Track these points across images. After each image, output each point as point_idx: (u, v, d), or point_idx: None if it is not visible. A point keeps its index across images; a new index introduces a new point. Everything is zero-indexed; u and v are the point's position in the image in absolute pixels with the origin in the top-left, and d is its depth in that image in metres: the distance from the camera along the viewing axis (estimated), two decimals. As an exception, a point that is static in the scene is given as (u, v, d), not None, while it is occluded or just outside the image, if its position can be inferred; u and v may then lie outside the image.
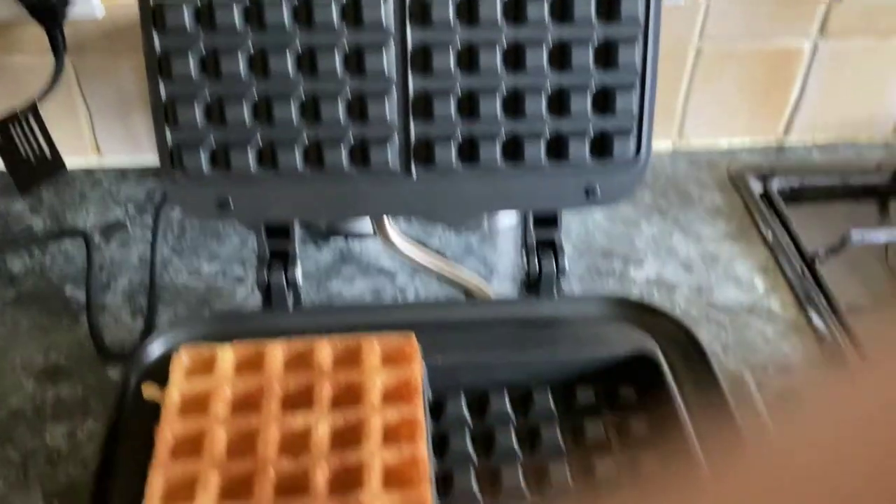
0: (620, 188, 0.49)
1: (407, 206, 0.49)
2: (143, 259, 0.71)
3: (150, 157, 0.81)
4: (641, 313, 0.51)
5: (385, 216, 0.53)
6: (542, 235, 0.51)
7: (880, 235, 0.69)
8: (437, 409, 0.47)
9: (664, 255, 0.73)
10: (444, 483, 0.43)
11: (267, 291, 0.50)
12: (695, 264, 0.72)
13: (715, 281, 0.70)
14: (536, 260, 0.50)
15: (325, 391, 0.43)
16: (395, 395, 0.43)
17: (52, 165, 0.73)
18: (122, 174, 0.81)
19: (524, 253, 0.51)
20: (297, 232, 0.51)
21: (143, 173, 0.80)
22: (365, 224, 0.72)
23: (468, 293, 0.61)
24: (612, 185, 0.49)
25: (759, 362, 0.63)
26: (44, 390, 0.60)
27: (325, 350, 0.45)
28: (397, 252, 0.56)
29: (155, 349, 0.48)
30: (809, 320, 0.67)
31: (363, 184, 0.49)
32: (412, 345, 0.45)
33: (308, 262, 0.71)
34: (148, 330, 0.60)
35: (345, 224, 0.73)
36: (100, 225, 0.75)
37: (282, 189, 0.48)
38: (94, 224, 0.75)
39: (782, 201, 0.76)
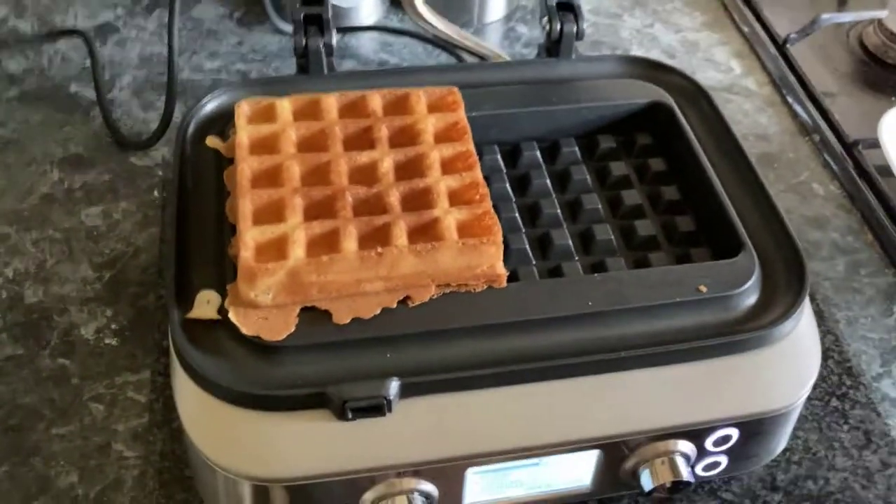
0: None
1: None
2: (143, 57, 0.72)
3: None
4: (654, 70, 0.55)
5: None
6: (562, -2, 0.54)
7: (847, 16, 0.74)
8: (473, 161, 0.51)
9: (648, 44, 0.77)
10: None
11: (304, 57, 0.52)
12: (677, 51, 0.76)
13: (696, 65, 0.75)
14: (558, 22, 0.53)
15: (382, 132, 0.46)
16: (446, 136, 0.47)
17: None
18: (103, -21, 0.79)
19: (545, 16, 0.54)
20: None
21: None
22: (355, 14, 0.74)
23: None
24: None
25: (741, 132, 0.69)
26: (70, 177, 0.62)
27: (375, 99, 0.48)
28: (421, 20, 0.58)
29: (205, 110, 0.50)
30: (783, 97, 0.72)
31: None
32: (455, 94, 0.49)
33: (308, 57, 0.73)
34: (169, 112, 0.61)
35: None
36: (91, 27, 0.74)
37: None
38: (85, 26, 0.74)
39: (753, -8, 0.80)
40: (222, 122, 0.50)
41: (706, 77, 0.74)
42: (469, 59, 0.69)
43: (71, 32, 0.72)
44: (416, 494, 0.40)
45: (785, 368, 0.43)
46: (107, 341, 0.53)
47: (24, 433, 0.48)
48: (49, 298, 0.55)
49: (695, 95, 0.54)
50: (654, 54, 0.75)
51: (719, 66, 0.75)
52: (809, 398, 0.52)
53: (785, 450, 0.48)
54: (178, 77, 0.70)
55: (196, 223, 0.45)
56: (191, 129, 0.49)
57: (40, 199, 0.60)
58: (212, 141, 0.47)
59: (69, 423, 0.49)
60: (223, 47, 0.73)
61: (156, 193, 0.61)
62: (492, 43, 0.76)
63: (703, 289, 0.43)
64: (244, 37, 0.74)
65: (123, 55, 0.72)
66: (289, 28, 0.74)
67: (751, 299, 0.44)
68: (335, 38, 0.52)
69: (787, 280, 0.44)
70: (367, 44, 0.75)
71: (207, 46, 0.73)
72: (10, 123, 0.65)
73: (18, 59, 0.70)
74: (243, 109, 0.46)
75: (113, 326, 0.53)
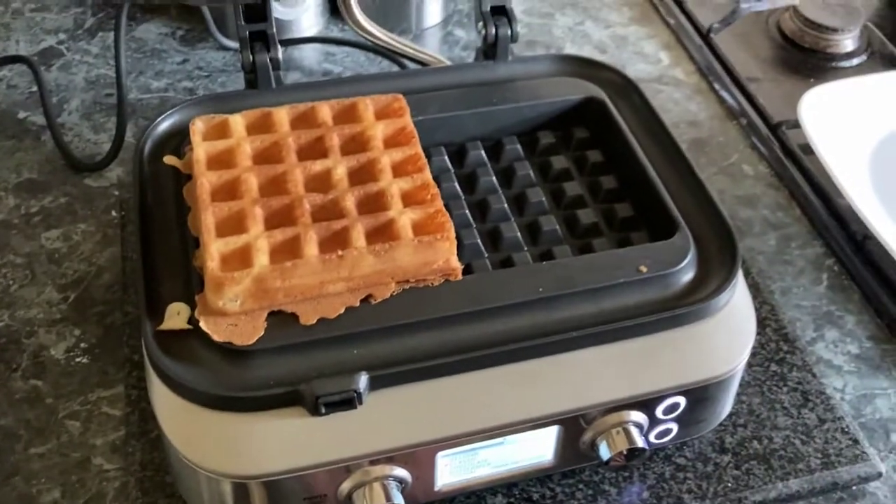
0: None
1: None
2: (90, 80, 0.73)
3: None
4: (587, 67, 0.58)
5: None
6: (495, 1, 0.57)
7: (764, 4, 0.79)
8: (421, 163, 0.53)
9: (580, 41, 0.80)
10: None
11: (252, 73, 0.54)
12: (608, 47, 0.80)
13: (627, 59, 0.78)
14: (493, 26, 0.56)
15: (334, 141, 0.48)
16: (394, 141, 0.49)
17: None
18: (42, 5, 0.80)
19: (479, 21, 0.57)
20: (274, 13, 0.54)
21: (65, 5, 0.80)
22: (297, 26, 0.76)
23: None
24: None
25: (672, 120, 0.73)
26: (27, 202, 0.63)
27: (324, 109, 0.50)
28: (361, 30, 0.61)
29: (160, 129, 0.52)
30: (710, 84, 0.76)
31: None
32: (400, 101, 0.51)
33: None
34: (121, 132, 0.62)
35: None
36: (35, 52, 0.75)
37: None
38: (28, 52, 0.74)
39: (677, -14, 0.84)
40: (177, 139, 0.52)
41: (637, 69, 0.77)
42: (410, 65, 0.71)
43: (14, 59, 0.72)
44: (390, 480, 0.42)
45: (723, 338, 0.46)
46: (77, 360, 0.54)
47: (2, 455, 0.49)
48: (16, 322, 0.56)
49: (625, 88, 0.57)
50: (587, 50, 0.79)
51: (649, 58, 0.79)
52: (750, 364, 0.55)
53: (731, 414, 0.52)
54: (125, 97, 0.71)
55: (160, 238, 0.47)
56: (147, 148, 0.51)
57: (-1, 225, 0.61)
58: (170, 159, 0.49)
59: (47, 441, 0.50)
60: (168, 66, 0.74)
61: (114, 213, 0.62)
62: (431, 48, 0.79)
63: (644, 269, 0.46)
64: (188, 54, 0.75)
65: (69, 79, 0.73)
66: (231, 44, 0.76)
67: (688, 276, 0.47)
68: (281, 53, 0.54)
69: (720, 257, 0.48)
70: (310, 55, 0.77)
71: (153, 66, 0.74)
72: (-39, 153, 0.66)
73: (-37, 89, 0.71)
74: (198, 127, 0.48)
75: (82, 345, 0.55)
